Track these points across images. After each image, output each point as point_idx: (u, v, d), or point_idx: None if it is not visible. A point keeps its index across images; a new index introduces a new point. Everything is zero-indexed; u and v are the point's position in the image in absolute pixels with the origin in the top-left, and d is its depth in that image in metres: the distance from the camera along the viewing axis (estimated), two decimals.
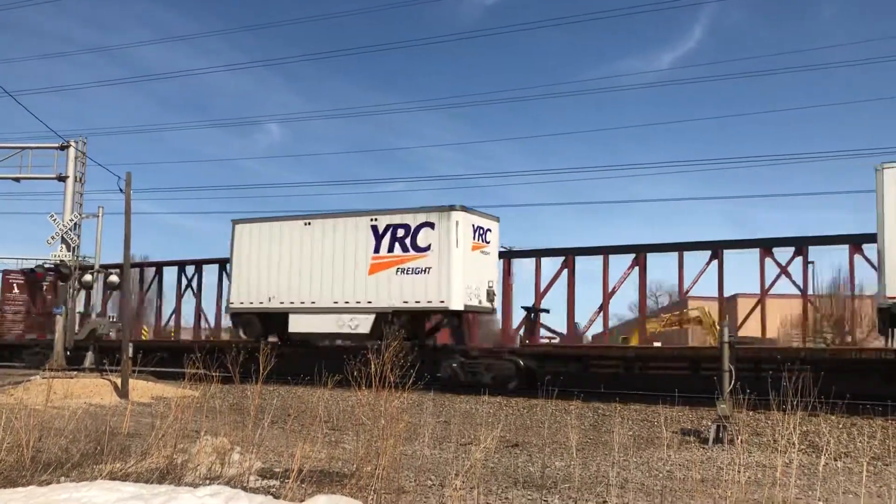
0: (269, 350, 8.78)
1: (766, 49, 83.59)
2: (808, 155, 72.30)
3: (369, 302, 20.79)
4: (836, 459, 11.01)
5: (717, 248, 26.61)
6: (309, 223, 22.23)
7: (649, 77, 75.18)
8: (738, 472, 7.27)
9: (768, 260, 25.98)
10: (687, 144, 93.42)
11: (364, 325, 20.70)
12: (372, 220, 21.09)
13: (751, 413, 13.36)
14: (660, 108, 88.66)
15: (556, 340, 27.97)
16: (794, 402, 8.03)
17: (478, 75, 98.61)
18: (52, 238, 23.44)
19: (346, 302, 21.15)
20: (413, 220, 20.51)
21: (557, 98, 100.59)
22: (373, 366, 7.43)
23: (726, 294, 27.81)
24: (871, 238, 17.42)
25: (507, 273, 28.36)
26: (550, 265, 28.50)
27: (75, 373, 21.34)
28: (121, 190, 19.73)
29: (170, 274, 34.09)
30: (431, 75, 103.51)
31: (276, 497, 7.12)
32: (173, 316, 34.47)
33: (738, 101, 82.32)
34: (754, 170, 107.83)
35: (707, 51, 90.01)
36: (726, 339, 13.09)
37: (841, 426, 12.96)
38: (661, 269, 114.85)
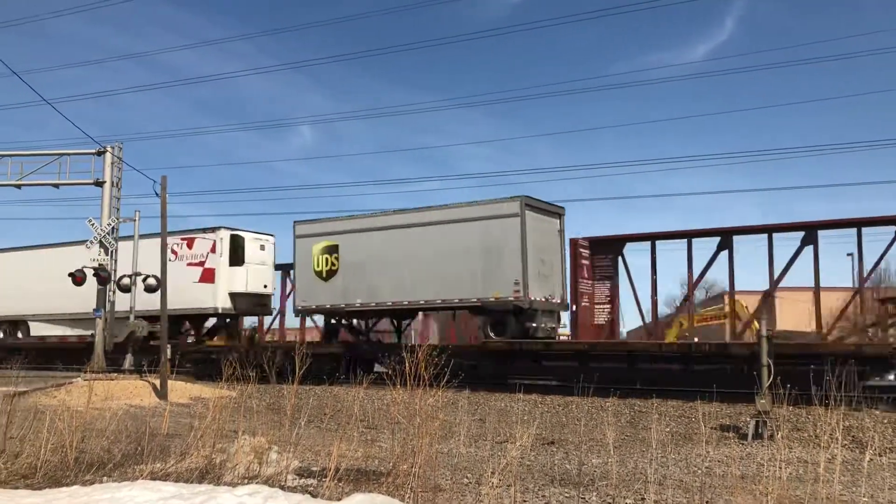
0: (304, 350, 8.81)
1: (800, 38, 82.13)
2: (850, 144, 70.43)
3: None
4: (880, 455, 10.78)
5: (810, 230, 23.09)
6: None
7: (684, 69, 74.19)
8: (780, 468, 7.15)
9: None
10: (723, 136, 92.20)
11: None
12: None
13: (790, 408, 13.16)
14: (695, 101, 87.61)
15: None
16: (837, 397, 7.89)
17: (509, 71, 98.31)
18: (91, 242, 23.84)
19: None
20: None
21: (590, 92, 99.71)
22: (407, 365, 7.44)
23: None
24: None
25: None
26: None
27: (115, 374, 21.70)
28: (156, 193, 20.00)
29: None
30: (463, 73, 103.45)
31: (314, 496, 7.17)
32: None
33: (774, 91, 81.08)
34: (792, 161, 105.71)
35: (740, 41, 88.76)
36: (764, 333, 12.89)
37: (886, 421, 12.70)
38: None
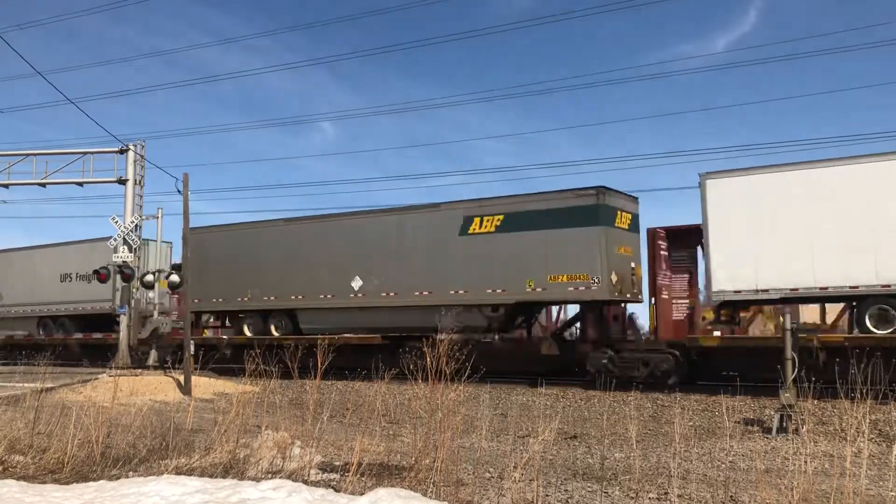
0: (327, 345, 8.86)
1: (827, 26, 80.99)
2: (881, 133, 69.19)
3: None
4: None
5: None
6: None
7: (705, 61, 73.41)
8: (805, 462, 7.08)
9: None
10: (748, 127, 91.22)
11: None
12: None
13: (815, 402, 13.02)
14: (717, 92, 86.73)
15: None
16: (864, 390, 7.79)
17: (531, 65, 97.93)
18: (114, 240, 24.10)
19: None
20: None
21: (613, 85, 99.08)
22: (428, 359, 7.46)
23: None
24: None
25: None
26: None
27: (140, 370, 21.94)
28: (179, 191, 20.14)
29: None
30: (483, 67, 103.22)
31: (337, 490, 7.21)
32: None
33: (801, 82, 79.97)
34: (820, 150, 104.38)
35: (763, 31, 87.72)
36: (788, 326, 12.77)
37: None
38: None
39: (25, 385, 13.81)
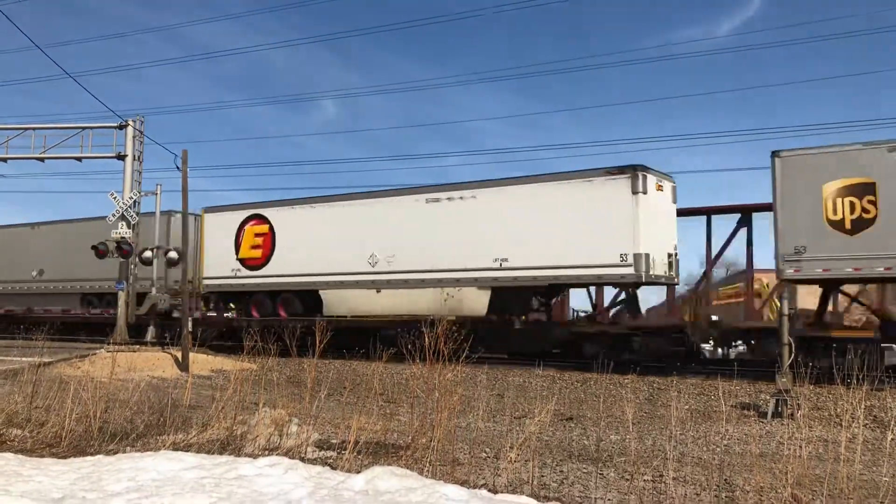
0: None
1: (835, 12, 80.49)
2: (887, 120, 68.87)
3: None
4: None
5: None
6: None
7: (710, 44, 73.04)
8: (800, 446, 7.11)
9: None
10: (745, 113, 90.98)
11: None
12: None
13: (811, 387, 13.07)
14: (717, 77, 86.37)
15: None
16: (860, 376, 7.81)
17: (533, 46, 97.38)
18: (113, 215, 24.05)
19: None
20: None
21: (614, 67, 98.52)
22: (427, 339, 7.47)
23: None
24: None
25: None
26: None
27: (138, 346, 21.99)
28: (178, 168, 20.08)
29: None
30: (486, 47, 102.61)
31: (334, 468, 7.24)
32: None
33: (798, 67, 79.70)
34: (822, 137, 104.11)
35: (768, 16, 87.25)
36: (786, 311, 12.79)
37: None
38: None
39: (23, 359, 13.84)
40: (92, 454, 7.95)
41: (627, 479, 7.54)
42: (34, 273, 30.94)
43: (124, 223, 23.90)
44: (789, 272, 15.80)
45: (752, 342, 20.75)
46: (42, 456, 7.94)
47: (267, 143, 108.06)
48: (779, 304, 13.36)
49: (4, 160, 26.40)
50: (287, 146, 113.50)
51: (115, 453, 7.92)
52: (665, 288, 23.60)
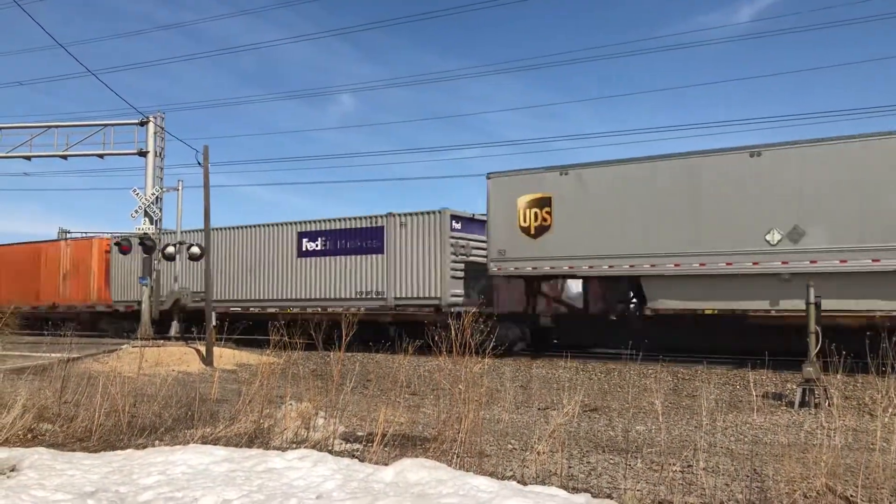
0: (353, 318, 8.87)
1: None
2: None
3: None
4: None
5: None
6: None
7: (730, 31, 72.22)
8: (831, 436, 7.04)
9: None
10: (766, 100, 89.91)
11: None
12: None
13: (838, 376, 12.93)
14: (739, 64, 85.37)
15: None
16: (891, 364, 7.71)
17: (552, 36, 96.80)
18: (136, 212, 24.26)
19: None
20: None
21: (633, 56, 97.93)
22: (453, 331, 7.46)
23: None
24: None
25: None
26: None
27: (162, 341, 22.18)
28: (199, 163, 20.21)
29: None
30: (501, 39, 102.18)
31: (362, 461, 7.26)
32: None
33: (819, 53, 78.49)
34: (836, 125, 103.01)
35: (788, 3, 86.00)
36: (811, 300, 12.63)
37: None
38: None
39: (52, 355, 13.99)
40: (122, 448, 8.03)
41: (656, 470, 7.49)
42: None
43: (147, 219, 24.10)
44: (494, 269, 20.00)
45: None
46: (73, 450, 8.03)
47: (285, 138, 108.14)
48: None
49: (28, 158, 26.70)
50: (305, 140, 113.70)
51: (145, 447, 7.99)
52: None
